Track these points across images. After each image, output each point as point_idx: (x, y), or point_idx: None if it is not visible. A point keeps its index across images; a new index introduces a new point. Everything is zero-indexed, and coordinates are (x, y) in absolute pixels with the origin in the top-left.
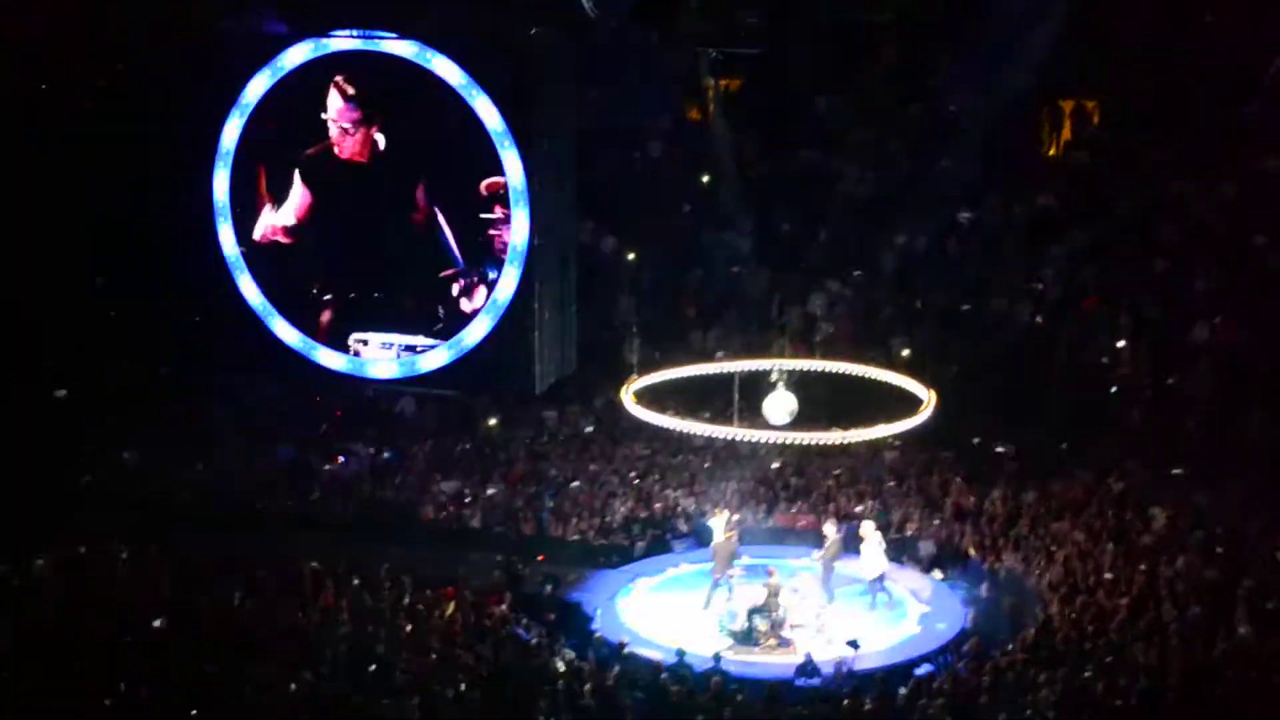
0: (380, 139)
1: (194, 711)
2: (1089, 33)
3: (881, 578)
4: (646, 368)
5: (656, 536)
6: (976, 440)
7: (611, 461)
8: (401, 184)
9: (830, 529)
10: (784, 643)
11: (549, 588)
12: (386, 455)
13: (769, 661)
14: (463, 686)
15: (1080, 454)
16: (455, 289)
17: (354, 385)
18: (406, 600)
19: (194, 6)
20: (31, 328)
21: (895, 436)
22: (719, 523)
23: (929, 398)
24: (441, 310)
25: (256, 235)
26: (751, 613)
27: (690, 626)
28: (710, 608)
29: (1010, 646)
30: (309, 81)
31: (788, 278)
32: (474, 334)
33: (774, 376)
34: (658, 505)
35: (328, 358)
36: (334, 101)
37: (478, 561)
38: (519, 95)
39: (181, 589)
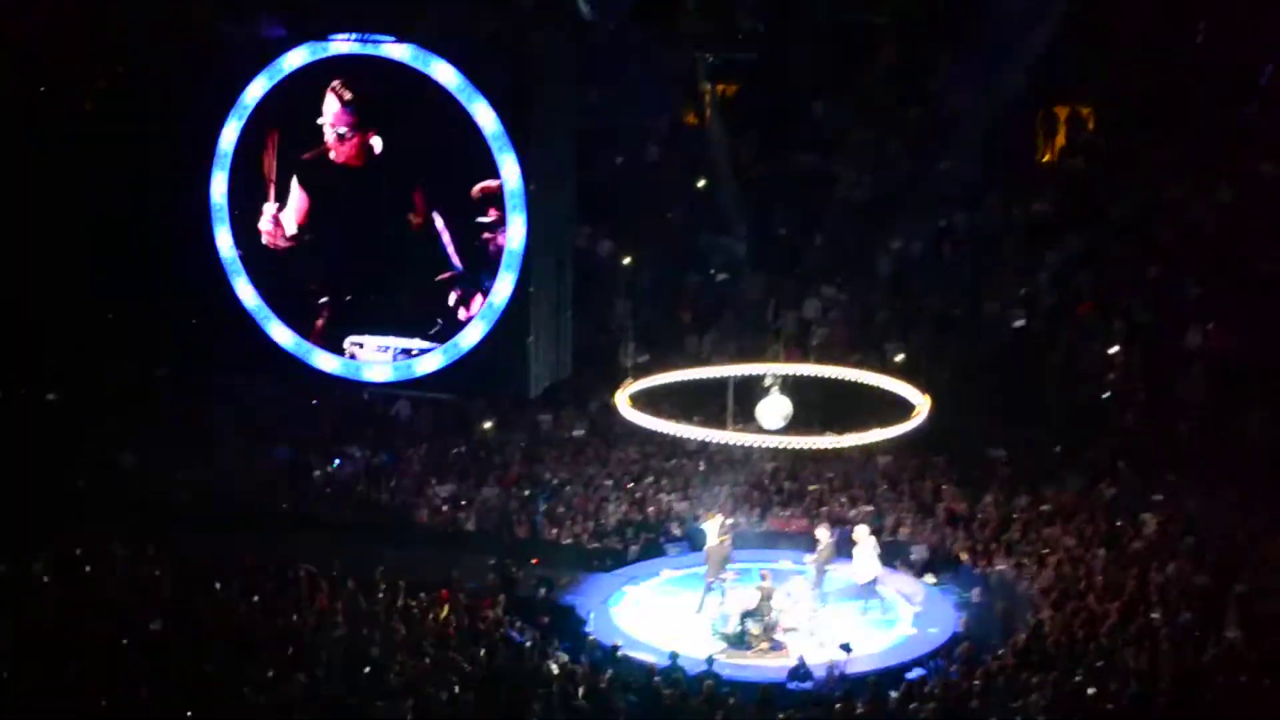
0: (377, 143)
1: (190, 712)
2: (1084, 37)
3: (874, 582)
4: (641, 371)
5: (650, 540)
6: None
7: (606, 465)
8: (398, 188)
9: (823, 533)
10: (776, 646)
11: (543, 591)
12: (383, 458)
13: (761, 665)
14: (457, 689)
15: (1073, 459)
16: (452, 298)
17: (350, 388)
18: (401, 603)
19: (193, 8)
20: (30, 328)
21: (888, 441)
22: (712, 527)
23: (923, 403)
24: (438, 314)
25: (263, 227)
26: (744, 616)
27: (683, 630)
28: (703, 611)
29: (1001, 651)
30: (307, 85)
31: (783, 282)
32: (470, 338)
33: (768, 381)
34: (651, 509)
35: (324, 360)
36: (330, 106)
37: (472, 564)
38: (516, 99)
39: (179, 590)
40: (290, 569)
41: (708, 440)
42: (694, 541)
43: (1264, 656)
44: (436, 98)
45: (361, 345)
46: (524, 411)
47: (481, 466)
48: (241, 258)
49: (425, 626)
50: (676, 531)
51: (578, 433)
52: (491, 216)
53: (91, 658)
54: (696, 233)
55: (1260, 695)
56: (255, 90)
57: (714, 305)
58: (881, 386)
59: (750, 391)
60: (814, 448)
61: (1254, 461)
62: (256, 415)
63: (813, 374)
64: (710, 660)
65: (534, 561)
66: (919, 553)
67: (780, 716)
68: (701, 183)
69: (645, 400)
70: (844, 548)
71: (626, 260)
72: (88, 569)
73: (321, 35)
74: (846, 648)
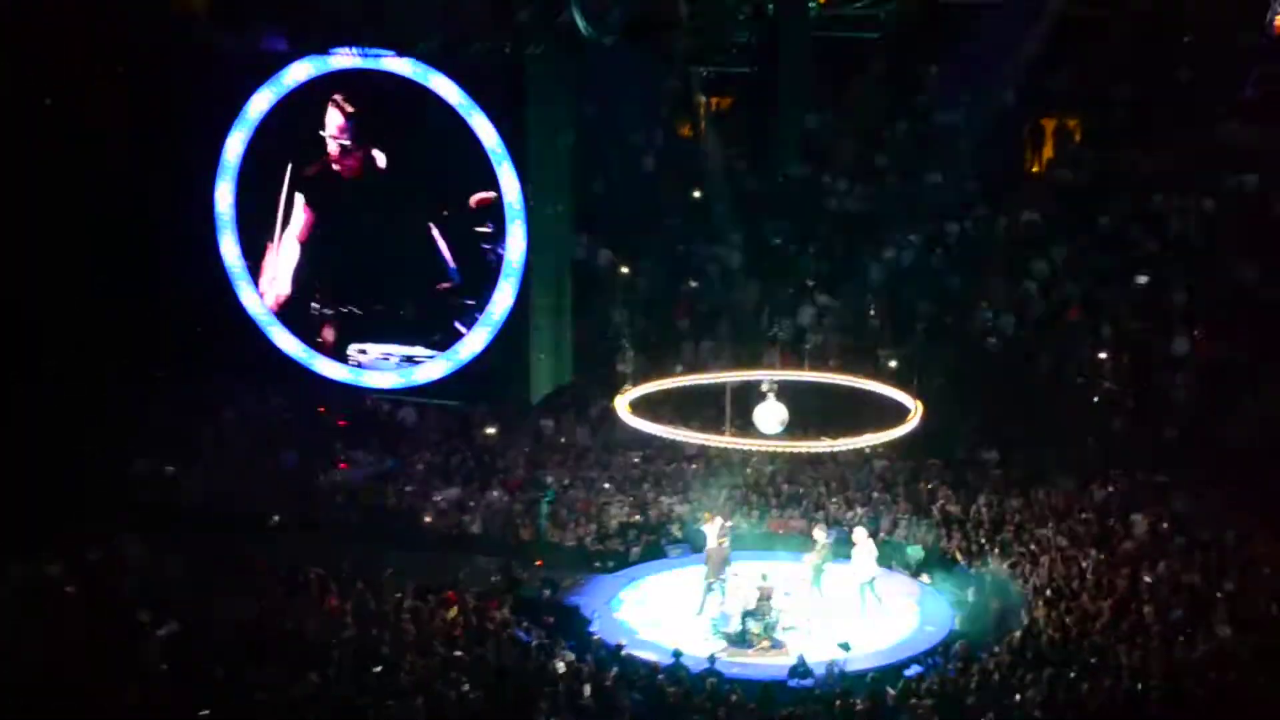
0: (379, 156)
1: (203, 712)
2: (1071, 52)
3: (872, 582)
4: (640, 378)
5: (651, 542)
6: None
7: (607, 469)
8: (400, 200)
9: (820, 534)
10: (777, 645)
11: (547, 592)
12: (389, 463)
13: (762, 663)
14: (465, 687)
15: (1064, 462)
16: (452, 311)
17: (354, 395)
18: (409, 604)
19: (193, 19)
20: (31, 328)
21: (883, 445)
22: (712, 529)
23: (916, 407)
24: (439, 323)
25: (263, 286)
26: (745, 615)
27: (685, 629)
28: (704, 611)
29: (996, 648)
30: (309, 99)
31: (778, 290)
32: (472, 346)
33: (765, 387)
34: (652, 512)
35: (328, 368)
36: (333, 118)
37: (478, 566)
38: (515, 113)
39: (191, 592)
40: (300, 571)
41: (706, 444)
42: (694, 543)
43: (1252, 652)
44: (437, 111)
45: (365, 352)
46: (526, 417)
47: (485, 471)
48: (248, 268)
49: (434, 627)
50: (677, 533)
51: (581, 438)
52: (490, 228)
53: (105, 659)
54: (692, 242)
55: (1249, 690)
56: (259, 104)
57: (710, 313)
58: (875, 391)
59: (747, 397)
60: (811, 451)
61: (1240, 463)
62: (263, 421)
63: (808, 379)
64: (712, 659)
65: (538, 563)
66: (915, 553)
67: (781, 713)
68: (697, 193)
69: (644, 406)
70: (842, 548)
71: (624, 269)
72: (97, 571)
73: (322, 49)
74: (845, 646)
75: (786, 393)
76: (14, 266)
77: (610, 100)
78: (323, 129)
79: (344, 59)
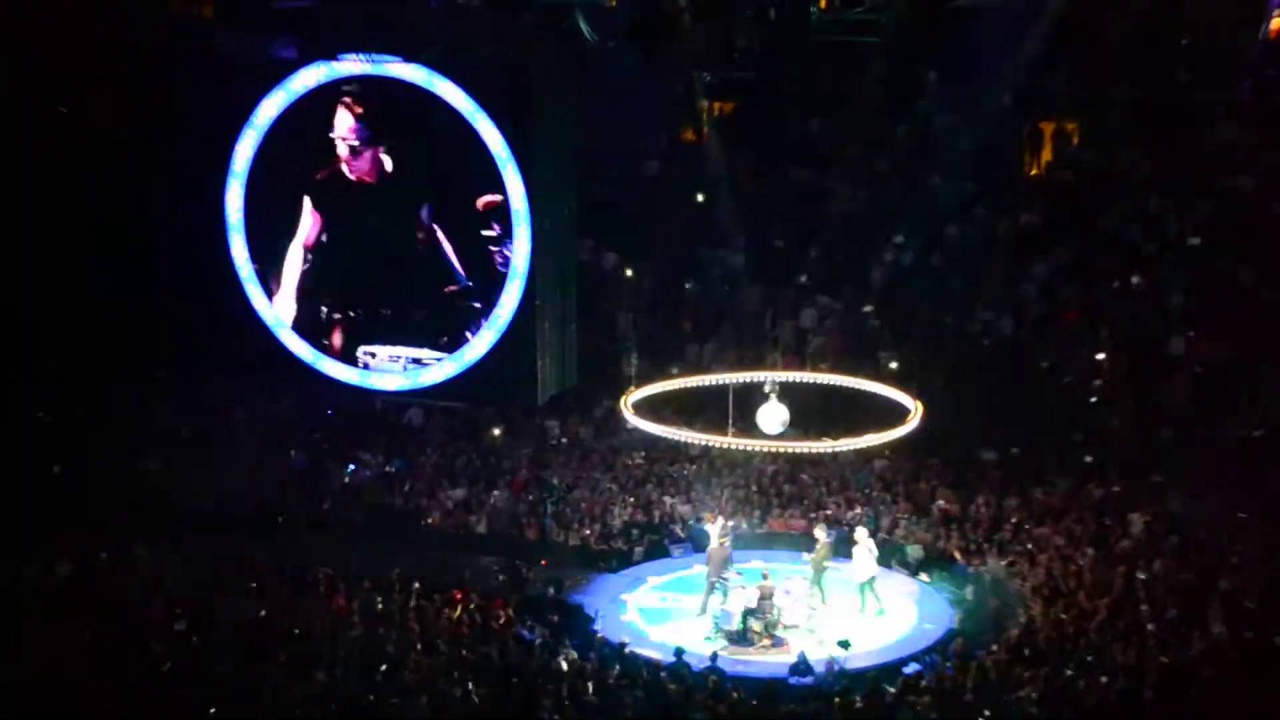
0: (387, 160)
1: (212, 710)
2: (1069, 55)
3: (871, 580)
4: (644, 379)
5: (654, 541)
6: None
7: (611, 469)
8: (407, 203)
9: (821, 533)
10: (778, 643)
11: (552, 590)
12: (396, 464)
13: (764, 661)
14: (470, 685)
15: (1061, 462)
16: (459, 314)
17: (362, 397)
18: (415, 603)
19: (201, 24)
20: (32, 328)
21: (883, 445)
22: (714, 528)
23: (916, 408)
24: (447, 325)
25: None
26: (746, 614)
27: (687, 628)
28: (706, 611)
29: (994, 646)
30: (318, 105)
31: (780, 293)
32: (479, 348)
33: (767, 388)
34: (656, 511)
35: (337, 370)
36: (343, 120)
37: (483, 566)
38: (520, 117)
39: (200, 591)
40: (308, 571)
41: (709, 445)
42: (697, 543)
43: (1246, 651)
44: (444, 116)
45: (374, 355)
46: (532, 418)
47: (491, 472)
48: (258, 272)
49: (439, 625)
50: (680, 533)
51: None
52: (496, 230)
53: (114, 657)
54: (696, 245)
55: (1243, 688)
56: (269, 110)
57: (714, 315)
58: (876, 392)
59: (750, 398)
60: (812, 452)
61: (1235, 464)
62: (273, 422)
63: (810, 381)
64: (714, 656)
65: (543, 563)
66: (914, 552)
67: (782, 710)
68: (700, 197)
69: (648, 407)
70: (842, 548)
71: (629, 272)
72: (105, 571)
73: (330, 55)
74: (845, 644)
75: (788, 394)
76: (15, 266)
77: (614, 105)
78: (331, 132)
79: (351, 64)
